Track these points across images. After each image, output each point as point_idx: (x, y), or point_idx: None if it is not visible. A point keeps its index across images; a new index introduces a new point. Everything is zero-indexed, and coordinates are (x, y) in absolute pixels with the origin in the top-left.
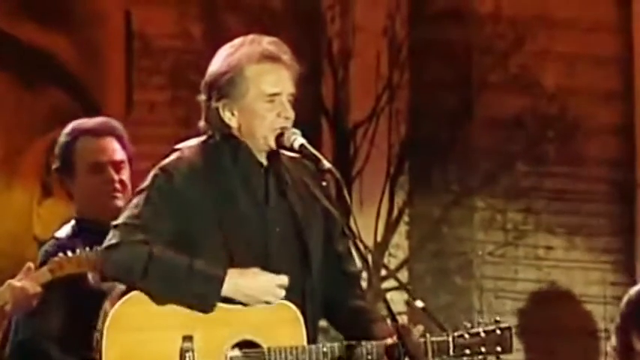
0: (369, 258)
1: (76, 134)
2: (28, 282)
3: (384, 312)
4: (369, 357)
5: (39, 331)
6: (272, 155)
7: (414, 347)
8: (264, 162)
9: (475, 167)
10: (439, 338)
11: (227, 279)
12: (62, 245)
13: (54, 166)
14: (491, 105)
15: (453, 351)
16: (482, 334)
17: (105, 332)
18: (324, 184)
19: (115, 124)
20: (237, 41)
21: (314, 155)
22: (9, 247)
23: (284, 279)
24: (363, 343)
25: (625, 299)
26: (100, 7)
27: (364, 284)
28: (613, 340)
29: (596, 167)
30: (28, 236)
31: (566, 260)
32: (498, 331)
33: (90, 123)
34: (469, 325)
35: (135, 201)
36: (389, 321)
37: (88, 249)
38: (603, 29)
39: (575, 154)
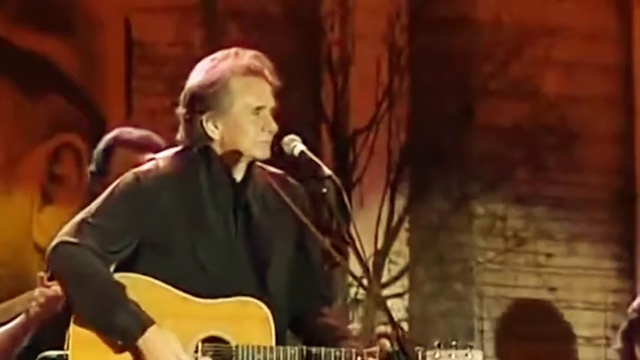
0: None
1: (117, 143)
2: (53, 286)
3: (385, 319)
4: None
5: (40, 339)
6: (249, 169)
7: (413, 356)
8: (239, 177)
9: (475, 174)
10: (408, 355)
11: (153, 329)
12: None
13: (89, 169)
14: (491, 112)
15: None
16: (453, 355)
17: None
18: (324, 190)
19: (157, 140)
20: (218, 54)
21: (314, 162)
22: (9, 254)
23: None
24: (330, 349)
25: (635, 305)
26: (100, 14)
27: (364, 289)
28: (618, 343)
29: (596, 174)
30: (29, 243)
31: (566, 267)
32: (469, 355)
33: (132, 134)
34: (441, 344)
35: (99, 200)
36: (389, 329)
37: None
38: (603, 36)
39: (575, 161)
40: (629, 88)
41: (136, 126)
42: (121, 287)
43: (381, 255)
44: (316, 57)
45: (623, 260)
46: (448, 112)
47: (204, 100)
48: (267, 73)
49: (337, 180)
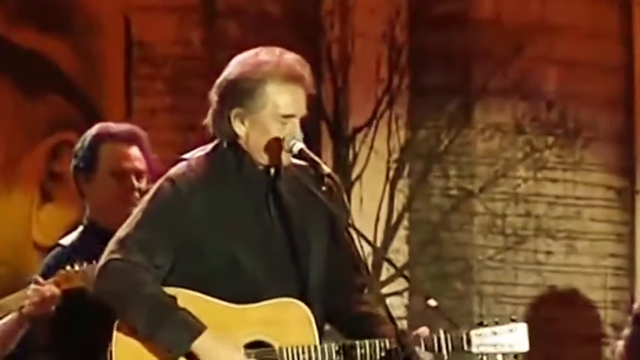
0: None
1: (102, 138)
2: (47, 285)
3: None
4: (382, 354)
5: (28, 341)
6: (278, 166)
7: (412, 353)
8: (270, 172)
9: (475, 172)
10: (454, 334)
11: (206, 335)
12: (66, 253)
13: (73, 164)
14: (490, 110)
15: (468, 347)
16: (497, 332)
17: (115, 334)
18: (323, 189)
19: (141, 133)
20: (263, 50)
21: (313, 160)
22: (8, 252)
23: None
24: (373, 340)
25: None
26: (100, 13)
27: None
28: (626, 332)
29: (596, 173)
30: (28, 242)
31: (566, 265)
32: (512, 329)
33: (117, 128)
34: (484, 322)
35: (139, 211)
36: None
37: (85, 264)
38: (603, 35)
39: (574, 159)
40: (629, 87)
41: (136, 126)
42: (172, 298)
43: (381, 253)
44: (316, 55)
45: (622, 258)
46: (448, 110)
47: (236, 96)
48: (306, 80)
49: (336, 178)
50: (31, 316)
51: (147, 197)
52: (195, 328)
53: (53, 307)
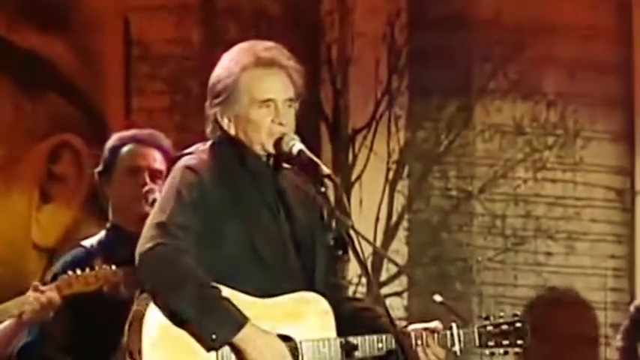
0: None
1: (124, 141)
2: (47, 292)
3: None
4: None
5: (43, 336)
6: (275, 162)
7: (412, 353)
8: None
9: (474, 173)
10: (465, 330)
11: (248, 326)
12: (86, 254)
13: (97, 170)
14: (490, 111)
15: (479, 342)
16: (505, 326)
17: (143, 336)
18: (322, 189)
19: (162, 137)
20: (236, 48)
21: (313, 161)
22: (8, 253)
23: None
24: (381, 336)
25: (637, 303)
26: (98, 13)
27: (364, 289)
28: (619, 341)
29: (595, 173)
30: (27, 242)
31: (565, 266)
32: (518, 324)
33: (138, 131)
34: (489, 317)
35: (165, 197)
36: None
37: (104, 265)
38: (603, 35)
39: (574, 160)
40: (629, 88)
41: (130, 126)
42: (216, 287)
43: (380, 254)
44: (315, 56)
45: (622, 259)
46: (447, 111)
47: (217, 94)
48: (282, 63)
49: (336, 179)
50: (30, 322)
51: (171, 185)
52: (239, 319)
53: (51, 314)
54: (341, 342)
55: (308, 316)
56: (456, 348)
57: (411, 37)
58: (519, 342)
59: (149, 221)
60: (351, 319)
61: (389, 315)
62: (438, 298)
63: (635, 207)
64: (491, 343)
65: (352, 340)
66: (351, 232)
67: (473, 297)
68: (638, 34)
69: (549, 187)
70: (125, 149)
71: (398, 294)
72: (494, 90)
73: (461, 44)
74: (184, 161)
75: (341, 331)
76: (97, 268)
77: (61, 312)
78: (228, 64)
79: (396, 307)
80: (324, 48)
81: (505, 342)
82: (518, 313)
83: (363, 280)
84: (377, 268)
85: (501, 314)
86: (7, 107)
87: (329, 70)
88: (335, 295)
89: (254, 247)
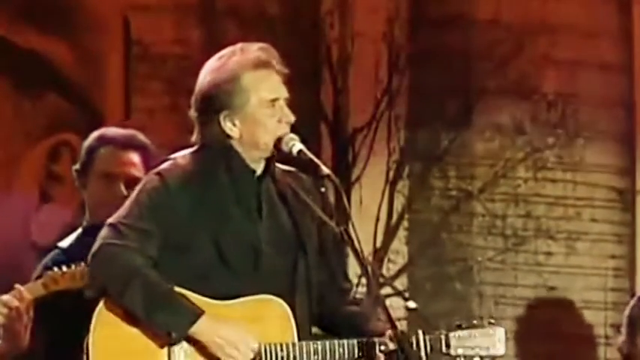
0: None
1: (100, 141)
2: (20, 293)
3: (383, 318)
4: (361, 353)
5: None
6: (268, 164)
7: (412, 354)
8: (259, 171)
9: (475, 173)
10: (432, 336)
11: (204, 318)
12: (64, 255)
13: (74, 167)
14: (490, 111)
15: (447, 349)
16: (475, 334)
17: (92, 328)
18: (322, 190)
19: (143, 139)
20: (225, 52)
21: (312, 161)
22: (7, 253)
23: (255, 346)
24: (357, 340)
25: (634, 301)
26: (99, 13)
27: (364, 289)
28: (619, 339)
29: (596, 173)
30: (27, 242)
31: (566, 266)
32: (490, 332)
33: (117, 133)
34: (462, 324)
35: (131, 202)
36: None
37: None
38: (604, 35)
39: (575, 160)
40: (630, 87)
41: (131, 126)
42: (167, 285)
43: (380, 254)
44: (315, 55)
45: (622, 259)
46: (448, 111)
47: (218, 100)
48: (275, 63)
49: (336, 179)
50: (4, 326)
51: (136, 190)
52: (195, 311)
53: (29, 314)
54: (300, 346)
55: (268, 319)
56: (422, 354)
57: (411, 36)
58: (490, 350)
59: (109, 221)
60: (343, 325)
61: (389, 315)
62: (411, 304)
63: (636, 207)
64: (460, 351)
65: (311, 344)
66: (351, 232)
67: (473, 297)
68: (639, 33)
69: (550, 187)
70: (102, 152)
71: (398, 294)
72: (495, 89)
73: (461, 43)
74: (158, 167)
75: (335, 336)
76: (72, 266)
77: (42, 320)
78: (222, 68)
79: (397, 307)
80: (324, 48)
81: (476, 349)
82: (493, 320)
83: (363, 280)
84: (377, 268)
85: (475, 322)
86: (6, 107)
87: (329, 69)
88: (337, 299)
89: (220, 252)
